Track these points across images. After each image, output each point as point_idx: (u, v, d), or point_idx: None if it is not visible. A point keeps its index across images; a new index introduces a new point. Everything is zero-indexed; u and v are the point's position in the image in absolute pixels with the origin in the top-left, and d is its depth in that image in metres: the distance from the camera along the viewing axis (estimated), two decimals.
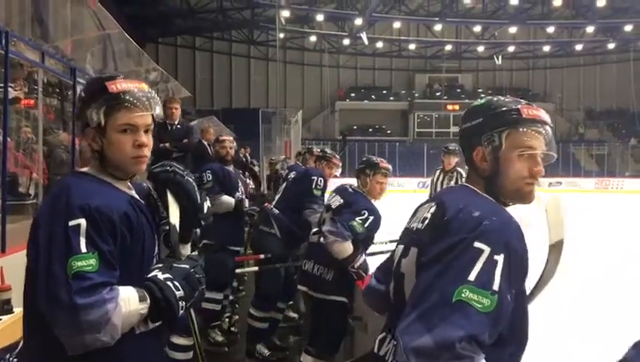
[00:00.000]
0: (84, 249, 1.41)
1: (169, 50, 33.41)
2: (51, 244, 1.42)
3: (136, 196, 1.63)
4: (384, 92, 36.62)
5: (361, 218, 3.41)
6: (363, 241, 3.47)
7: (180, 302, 1.53)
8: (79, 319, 1.36)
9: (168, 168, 1.74)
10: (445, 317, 1.21)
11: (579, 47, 33.48)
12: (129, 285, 1.47)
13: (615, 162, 31.48)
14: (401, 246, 1.55)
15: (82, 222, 1.43)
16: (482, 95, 39.55)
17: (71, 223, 1.42)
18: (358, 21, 27.79)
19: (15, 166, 5.60)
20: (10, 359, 2.19)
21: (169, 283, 1.53)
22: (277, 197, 4.93)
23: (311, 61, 35.74)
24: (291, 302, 5.56)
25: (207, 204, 1.80)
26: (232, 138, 5.17)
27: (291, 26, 29.79)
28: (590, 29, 30.60)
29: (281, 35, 28.53)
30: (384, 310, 1.67)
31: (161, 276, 1.54)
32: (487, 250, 1.26)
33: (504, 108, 1.49)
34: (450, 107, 35.12)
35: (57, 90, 6.51)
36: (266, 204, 4.94)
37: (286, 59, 33.77)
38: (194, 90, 29.73)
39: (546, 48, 34.23)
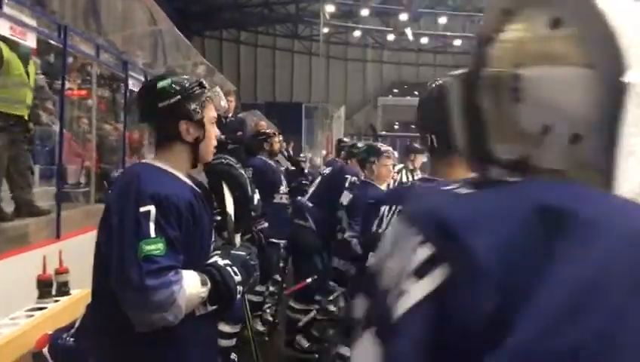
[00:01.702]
0: (153, 234, 1.51)
1: (214, 44, 33.84)
2: (123, 228, 1.53)
3: (196, 187, 1.72)
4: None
5: None
6: None
7: (237, 287, 1.62)
8: (148, 299, 1.47)
9: (223, 161, 1.85)
10: None
11: None
12: (191, 267, 1.57)
13: None
14: None
15: (152, 208, 1.53)
16: None
17: (142, 209, 1.53)
18: (403, 16, 27.54)
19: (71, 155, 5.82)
20: (67, 338, 2.32)
21: (228, 268, 1.63)
22: (311, 190, 4.98)
23: (354, 56, 35.61)
24: (332, 297, 5.63)
25: (257, 197, 1.88)
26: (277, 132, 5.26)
27: (335, 20, 29.77)
28: None
29: (325, 30, 28.56)
30: None
31: (221, 262, 1.65)
32: None
33: None
34: None
35: (110, 83, 6.72)
36: (299, 198, 5.00)
37: (329, 54, 33.75)
38: (238, 83, 30.05)
39: None
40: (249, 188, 1.84)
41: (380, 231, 1.45)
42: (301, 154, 11.26)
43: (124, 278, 1.49)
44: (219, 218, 1.85)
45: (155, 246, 1.50)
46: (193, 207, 1.62)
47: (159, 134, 1.72)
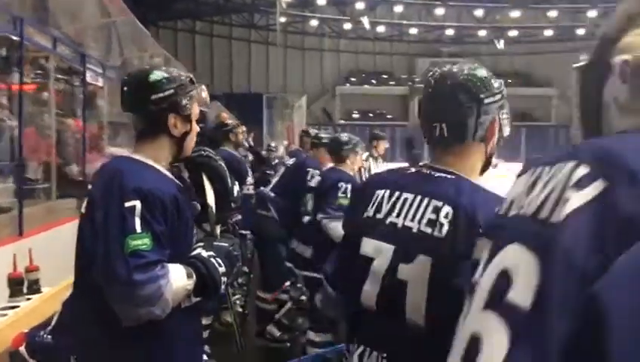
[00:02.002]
0: (139, 229, 1.52)
1: (168, 34, 33.22)
2: (108, 224, 1.54)
3: (177, 180, 1.74)
4: (385, 76, 36.50)
5: (342, 191, 3.54)
6: None
7: (222, 278, 1.65)
8: (136, 293, 1.48)
9: (203, 152, 1.86)
10: None
11: (580, 31, 33.36)
12: (176, 260, 1.59)
13: None
14: (389, 247, 1.37)
15: (137, 203, 1.54)
16: None
17: (127, 204, 1.53)
18: (360, 5, 27.65)
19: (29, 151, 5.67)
20: (44, 336, 2.30)
21: (212, 260, 1.66)
22: (274, 180, 5.03)
23: (311, 45, 35.58)
24: (299, 284, 5.70)
25: (236, 188, 1.91)
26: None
27: (292, 9, 29.65)
28: (592, 14, 30.52)
29: (282, 19, 28.42)
30: (344, 318, 1.58)
31: (204, 254, 1.68)
32: None
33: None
34: None
35: (66, 76, 6.56)
36: (262, 188, 5.04)
37: (286, 43, 33.63)
38: (194, 75, 29.29)
39: (548, 33, 34.10)
40: (229, 180, 1.86)
41: (379, 216, 1.41)
42: (272, 144, 11.23)
43: (111, 273, 1.50)
44: (198, 210, 1.86)
45: (141, 241, 1.51)
46: (177, 200, 1.63)
47: (145, 126, 1.71)
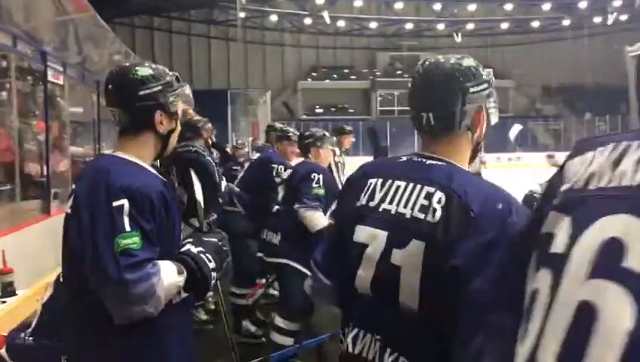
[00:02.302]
0: (128, 228, 1.52)
1: (126, 31, 32.53)
2: (96, 224, 1.53)
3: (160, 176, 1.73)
4: (346, 71, 36.66)
5: (315, 182, 3.62)
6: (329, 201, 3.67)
7: (212, 273, 1.66)
8: (128, 292, 1.48)
9: (191, 148, 1.86)
10: None
11: (535, 24, 34.18)
12: (164, 257, 1.59)
13: (571, 136, 32.45)
14: (383, 233, 1.38)
15: (125, 202, 1.53)
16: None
17: (115, 204, 1.53)
18: (319, 0, 27.66)
19: None
20: (25, 337, 2.27)
21: (202, 256, 1.66)
22: (240, 175, 5.05)
23: (272, 40, 35.46)
24: (271, 280, 5.73)
25: (223, 183, 1.92)
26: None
27: (251, 5, 29.45)
28: (546, 6, 31.34)
29: (242, 15, 28.19)
30: (337, 304, 1.58)
31: (194, 249, 1.68)
32: None
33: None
34: None
35: (26, 75, 6.40)
36: (227, 184, 5.06)
37: (246, 38, 33.40)
38: None
39: (504, 25, 34.80)
40: (217, 175, 1.87)
41: (372, 204, 1.43)
42: (239, 141, 11.16)
43: (102, 273, 1.50)
44: (185, 205, 1.87)
45: (131, 240, 1.51)
46: (165, 197, 1.63)
47: (131, 122, 1.70)
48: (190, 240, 1.74)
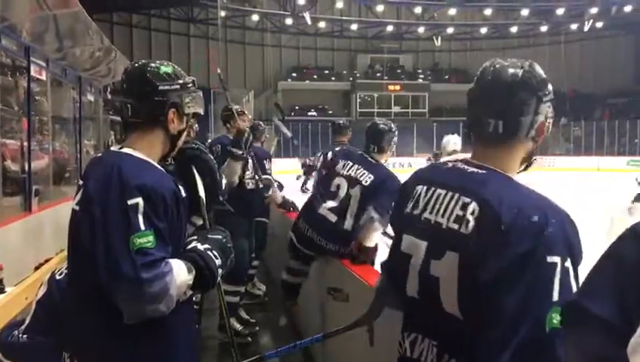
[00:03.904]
0: (142, 226, 1.51)
1: (104, 28, 32.02)
2: (110, 223, 1.51)
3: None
4: (326, 72, 36.73)
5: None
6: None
7: (218, 270, 1.65)
8: (143, 291, 1.47)
9: (194, 146, 1.86)
10: (542, 349, 1.15)
11: (514, 29, 34.66)
12: (175, 257, 1.58)
13: (547, 141, 32.94)
14: (423, 244, 1.39)
15: (140, 201, 1.52)
16: (421, 76, 39.15)
17: (130, 202, 1.51)
18: (301, 0, 27.67)
19: None
20: (19, 335, 2.23)
21: (209, 253, 1.65)
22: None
23: (253, 40, 35.35)
24: (255, 280, 5.74)
25: (224, 181, 1.92)
26: None
27: (232, 4, 29.33)
28: (525, 12, 31.82)
29: (222, 14, 28.05)
30: (400, 308, 1.55)
31: (201, 247, 1.67)
32: (558, 260, 1.19)
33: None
34: (391, 87, 35.66)
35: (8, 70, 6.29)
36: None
37: (227, 38, 33.25)
38: None
39: (483, 30, 35.21)
40: (217, 173, 1.87)
41: (416, 212, 1.41)
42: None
43: (117, 272, 1.48)
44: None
45: (146, 239, 1.50)
46: (176, 194, 1.63)
47: (144, 116, 1.68)
48: (195, 237, 1.73)
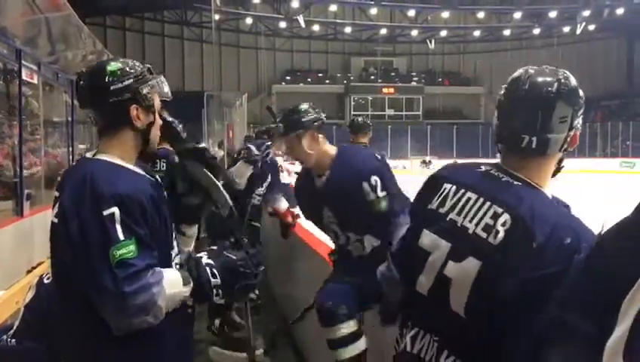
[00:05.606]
0: (121, 236, 1.44)
1: (97, 31, 32.03)
2: (87, 235, 1.45)
3: (147, 175, 1.66)
4: (320, 75, 36.78)
5: None
6: None
7: (214, 289, 1.60)
8: (128, 304, 1.41)
9: (198, 145, 1.82)
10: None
11: (507, 32, 34.84)
12: (160, 261, 1.53)
13: None
14: (446, 244, 1.36)
15: (115, 210, 1.45)
16: (415, 78, 39.23)
17: (105, 212, 1.44)
18: (295, 3, 27.72)
19: None
20: (8, 339, 2.22)
21: (207, 268, 1.61)
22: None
23: (247, 44, 35.37)
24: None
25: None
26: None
27: (226, 7, 29.32)
28: (517, 15, 32.00)
29: (216, 17, 28.05)
30: (399, 299, 1.55)
31: (204, 260, 1.63)
32: None
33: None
34: (385, 90, 35.80)
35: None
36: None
37: (221, 41, 33.24)
38: None
39: (476, 33, 35.37)
40: (225, 176, 1.84)
41: (442, 210, 1.39)
42: (215, 148, 11.05)
43: (99, 287, 1.42)
44: (196, 202, 1.83)
45: (126, 250, 1.43)
46: (155, 198, 1.56)
47: (107, 121, 1.61)
48: (210, 248, 1.68)
